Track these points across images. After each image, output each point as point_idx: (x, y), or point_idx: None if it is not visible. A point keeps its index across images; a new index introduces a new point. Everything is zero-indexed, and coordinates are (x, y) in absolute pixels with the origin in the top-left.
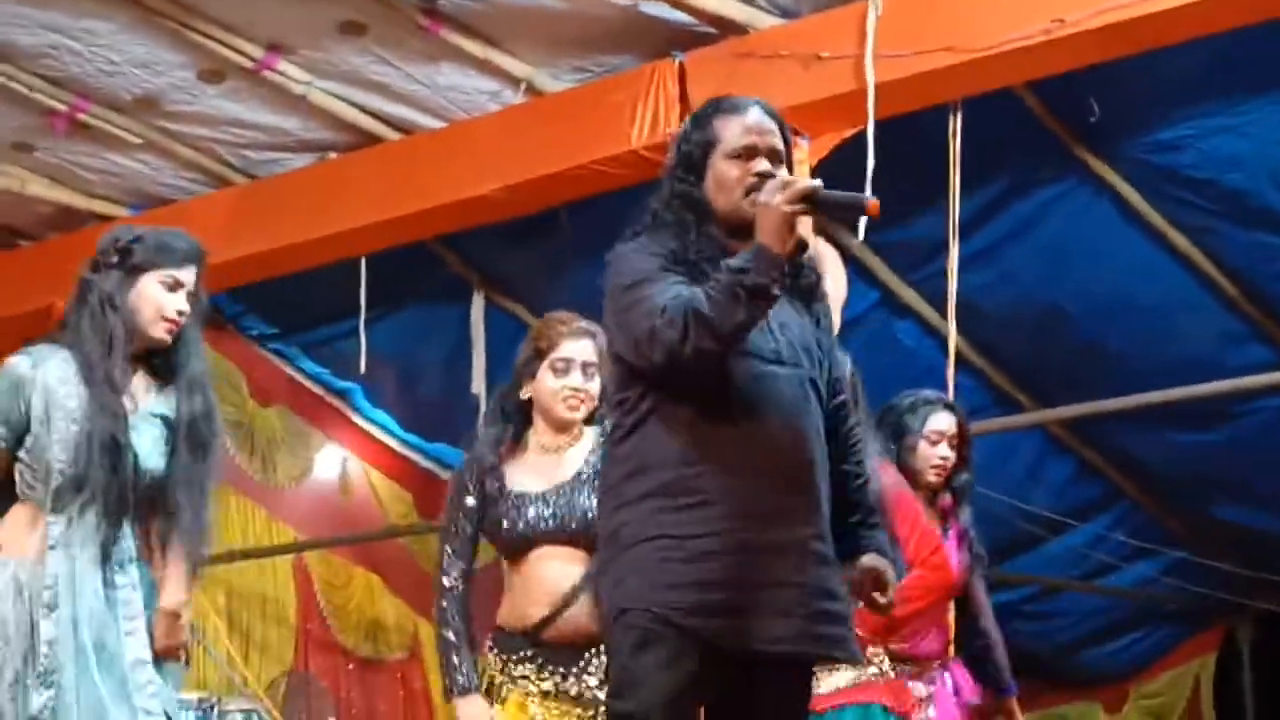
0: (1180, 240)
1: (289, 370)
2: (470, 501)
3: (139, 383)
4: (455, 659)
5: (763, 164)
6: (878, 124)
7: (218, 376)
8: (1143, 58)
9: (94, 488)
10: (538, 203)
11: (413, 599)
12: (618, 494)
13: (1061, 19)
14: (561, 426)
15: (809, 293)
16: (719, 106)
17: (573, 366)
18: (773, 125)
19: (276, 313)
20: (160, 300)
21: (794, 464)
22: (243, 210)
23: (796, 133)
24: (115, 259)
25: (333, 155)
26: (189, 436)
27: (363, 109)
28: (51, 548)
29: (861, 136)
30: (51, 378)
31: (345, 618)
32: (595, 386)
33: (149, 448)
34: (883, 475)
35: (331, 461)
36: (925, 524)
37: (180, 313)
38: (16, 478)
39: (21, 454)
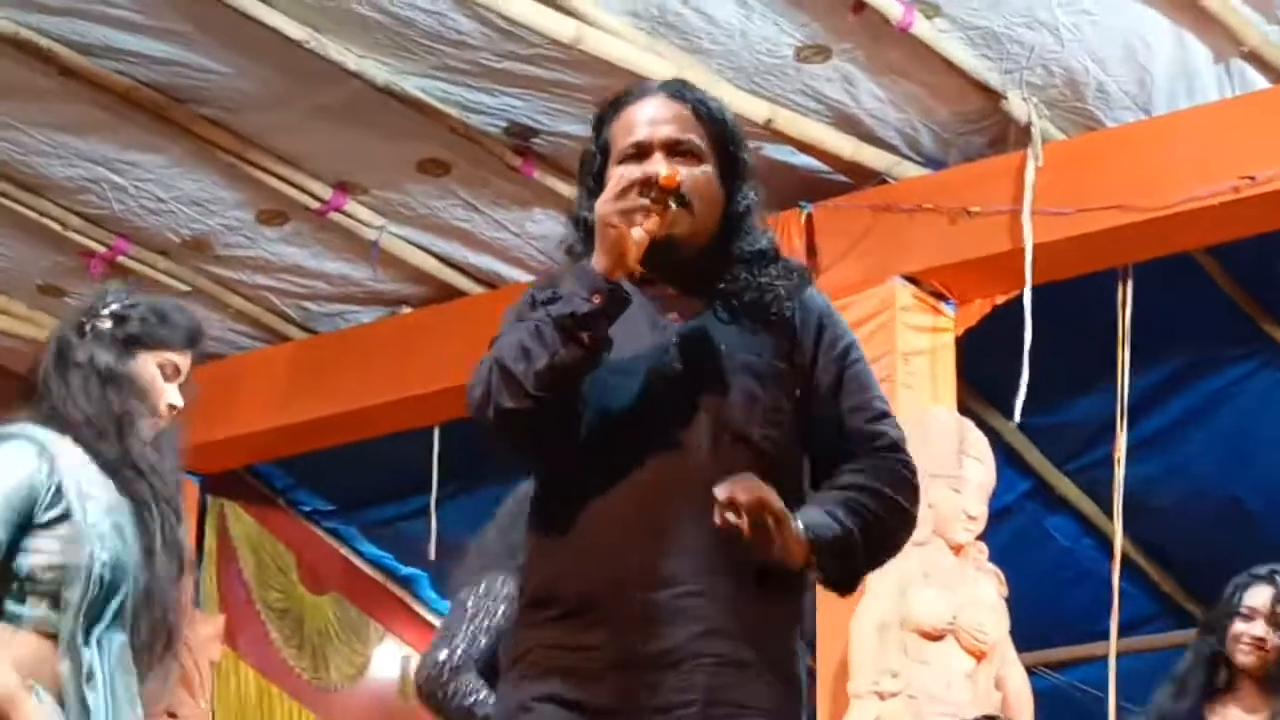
0: None
1: (346, 553)
2: None
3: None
4: None
5: (657, 163)
6: (1036, 289)
7: (264, 558)
8: None
9: (136, 600)
10: None
11: None
12: None
13: (1252, 176)
14: None
15: (762, 309)
16: (615, 101)
17: None
18: (673, 110)
19: (334, 488)
20: (158, 388)
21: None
22: (300, 369)
23: (934, 291)
24: (108, 324)
25: (406, 309)
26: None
27: (442, 258)
28: (89, 681)
29: (1017, 303)
30: (73, 461)
31: None
32: None
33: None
34: None
35: (392, 659)
36: None
37: (172, 408)
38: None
39: (28, 561)
